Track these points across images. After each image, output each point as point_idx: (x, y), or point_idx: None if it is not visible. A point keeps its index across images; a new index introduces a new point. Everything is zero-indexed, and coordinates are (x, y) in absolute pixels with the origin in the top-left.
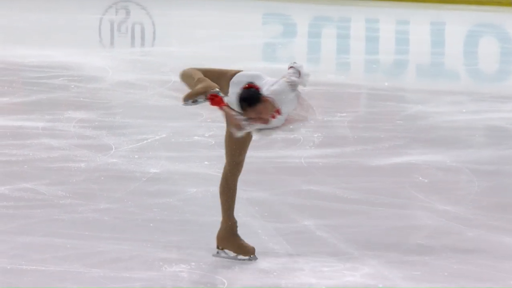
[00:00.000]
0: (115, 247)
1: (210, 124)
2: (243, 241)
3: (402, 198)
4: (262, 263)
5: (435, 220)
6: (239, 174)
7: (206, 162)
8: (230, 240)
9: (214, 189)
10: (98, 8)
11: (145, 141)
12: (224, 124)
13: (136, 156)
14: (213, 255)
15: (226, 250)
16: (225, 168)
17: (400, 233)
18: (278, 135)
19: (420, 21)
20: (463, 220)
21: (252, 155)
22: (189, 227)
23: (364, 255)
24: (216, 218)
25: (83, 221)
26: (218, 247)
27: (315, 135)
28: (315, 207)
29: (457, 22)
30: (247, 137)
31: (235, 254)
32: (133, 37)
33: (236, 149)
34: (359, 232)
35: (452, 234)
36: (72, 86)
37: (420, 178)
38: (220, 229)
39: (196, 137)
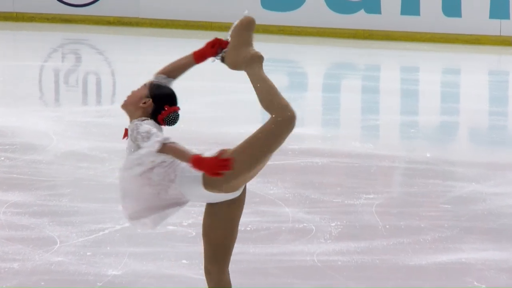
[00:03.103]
0: None
1: (188, 209)
2: None
3: None
4: None
5: None
6: None
7: (184, 261)
8: None
9: None
10: (38, 51)
11: (101, 233)
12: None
13: (89, 253)
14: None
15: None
16: None
17: None
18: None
19: (475, 69)
20: None
21: (247, 251)
22: None
23: None
24: None
25: None
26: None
27: (332, 224)
28: None
29: None
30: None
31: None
32: (85, 91)
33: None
34: None
35: None
36: (2, 158)
37: (476, 284)
38: None
39: (170, 227)
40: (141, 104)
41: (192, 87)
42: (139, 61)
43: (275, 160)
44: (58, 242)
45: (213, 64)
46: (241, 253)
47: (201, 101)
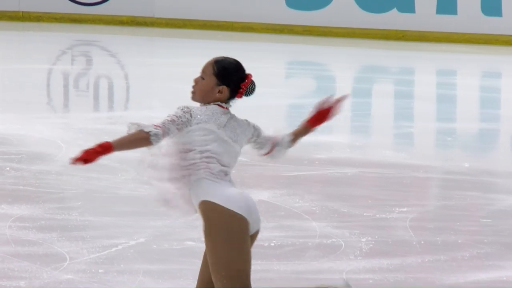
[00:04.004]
0: None
1: None
2: None
3: None
4: None
5: None
6: None
7: None
8: None
9: None
10: (45, 54)
11: (114, 249)
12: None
13: (101, 271)
14: None
15: None
16: None
17: None
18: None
19: None
20: None
21: (271, 268)
22: None
23: None
24: None
25: None
26: None
27: (363, 240)
28: None
29: None
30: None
31: None
32: (96, 96)
33: (239, 260)
34: None
35: None
36: (8, 168)
37: None
38: None
39: (189, 242)
40: (217, 95)
41: None
42: (154, 64)
43: (300, 170)
44: (68, 259)
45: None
46: (264, 270)
47: None
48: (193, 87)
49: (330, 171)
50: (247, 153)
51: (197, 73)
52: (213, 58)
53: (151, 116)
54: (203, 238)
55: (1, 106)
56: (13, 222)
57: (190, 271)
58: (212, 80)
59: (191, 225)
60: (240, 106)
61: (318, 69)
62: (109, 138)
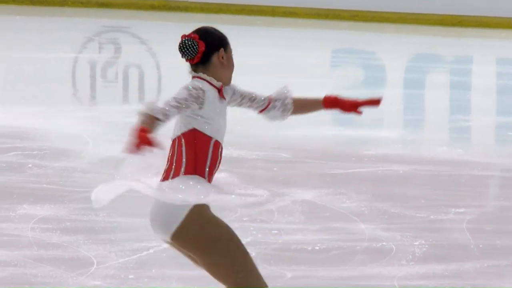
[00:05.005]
0: None
1: (247, 225)
2: None
3: None
4: None
5: None
6: None
7: None
8: None
9: None
10: (71, 41)
11: (145, 252)
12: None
13: (131, 276)
14: None
15: None
16: None
17: None
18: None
19: None
20: None
21: (315, 274)
22: None
23: None
24: None
25: None
26: None
27: (416, 243)
28: None
29: None
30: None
31: None
32: (126, 87)
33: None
34: None
35: None
36: (30, 165)
37: None
38: None
39: None
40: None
41: (253, 83)
42: None
43: (348, 168)
44: (95, 264)
45: (277, 57)
46: (307, 276)
47: None
48: None
49: (380, 169)
50: (290, 149)
51: (236, 63)
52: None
53: None
54: None
55: (23, 99)
56: (36, 224)
57: None
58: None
59: None
60: None
61: (366, 57)
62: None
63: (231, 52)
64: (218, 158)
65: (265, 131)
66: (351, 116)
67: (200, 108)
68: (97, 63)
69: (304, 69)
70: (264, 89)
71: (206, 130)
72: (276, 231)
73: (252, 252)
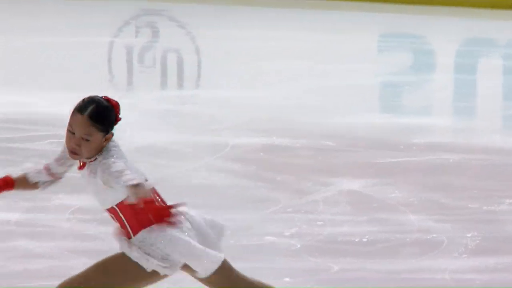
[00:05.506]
0: None
1: (291, 216)
2: None
3: None
4: None
5: None
6: None
7: (286, 279)
8: None
9: None
10: (106, 25)
11: None
12: None
13: None
14: None
15: None
16: None
17: None
18: None
19: None
20: None
21: (363, 267)
22: None
23: None
24: None
25: None
26: None
27: (468, 235)
28: None
29: None
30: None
31: None
32: (164, 73)
33: None
34: None
35: None
36: None
37: None
38: None
39: (268, 237)
40: (104, 143)
41: (296, 68)
42: (230, 36)
43: (396, 157)
44: None
45: (320, 41)
46: (355, 269)
47: (305, 85)
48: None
49: (429, 158)
50: (335, 137)
51: (280, 48)
52: (84, 114)
53: (226, 95)
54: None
55: (57, 85)
56: (72, 214)
57: (270, 270)
58: (97, 134)
59: (272, 219)
60: (324, 86)
61: (415, 42)
62: (178, 120)
63: (68, 124)
64: None
65: (309, 118)
66: (399, 102)
67: None
68: (134, 47)
69: (349, 54)
70: (307, 76)
71: None
72: (321, 222)
73: (297, 244)
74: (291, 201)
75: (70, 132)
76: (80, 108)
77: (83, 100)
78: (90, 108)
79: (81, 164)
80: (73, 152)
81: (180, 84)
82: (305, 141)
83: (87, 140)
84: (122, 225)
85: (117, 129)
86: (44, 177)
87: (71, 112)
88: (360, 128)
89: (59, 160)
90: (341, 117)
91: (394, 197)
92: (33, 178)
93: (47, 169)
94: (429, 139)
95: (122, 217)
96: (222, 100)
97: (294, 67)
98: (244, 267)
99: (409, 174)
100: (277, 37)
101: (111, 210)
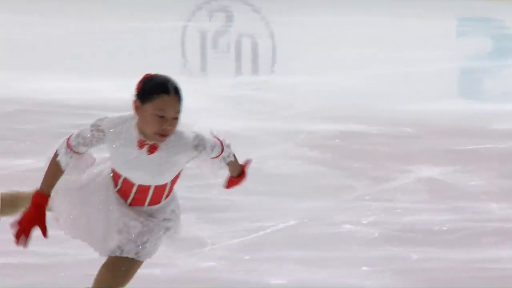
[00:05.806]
0: None
1: (368, 204)
2: None
3: None
4: None
5: None
6: None
7: (364, 268)
8: None
9: None
10: (178, 9)
11: (261, 232)
12: None
13: (246, 257)
14: None
15: None
16: None
17: None
18: None
19: None
20: None
21: (442, 256)
22: None
23: None
24: None
25: None
26: None
27: None
28: None
29: None
30: None
31: None
32: (238, 58)
33: None
34: None
35: None
36: None
37: None
38: None
39: (346, 226)
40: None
41: (373, 54)
42: (304, 22)
43: (477, 143)
44: (208, 244)
45: (396, 27)
46: (433, 259)
47: (382, 71)
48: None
49: (510, 145)
50: (414, 124)
51: (356, 34)
52: (172, 94)
53: (301, 81)
54: None
55: (130, 70)
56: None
57: (348, 259)
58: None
59: (348, 207)
60: (401, 72)
61: (494, 26)
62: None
63: (152, 109)
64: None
65: (387, 105)
66: (478, 88)
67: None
68: (207, 32)
69: (427, 40)
70: (383, 62)
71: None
72: (399, 210)
73: (374, 232)
74: (368, 188)
75: (159, 116)
76: (167, 90)
77: (157, 83)
78: (173, 87)
79: (150, 147)
80: (164, 135)
81: (255, 70)
82: (382, 128)
83: (176, 118)
84: (156, 198)
85: (190, 115)
86: (69, 160)
87: (151, 97)
88: (438, 114)
89: (86, 145)
90: (419, 103)
91: (474, 185)
92: (64, 166)
93: (73, 151)
94: (510, 126)
95: (167, 189)
96: (297, 86)
97: (371, 53)
98: (318, 256)
99: (490, 162)
100: (353, 22)
101: (159, 186)
